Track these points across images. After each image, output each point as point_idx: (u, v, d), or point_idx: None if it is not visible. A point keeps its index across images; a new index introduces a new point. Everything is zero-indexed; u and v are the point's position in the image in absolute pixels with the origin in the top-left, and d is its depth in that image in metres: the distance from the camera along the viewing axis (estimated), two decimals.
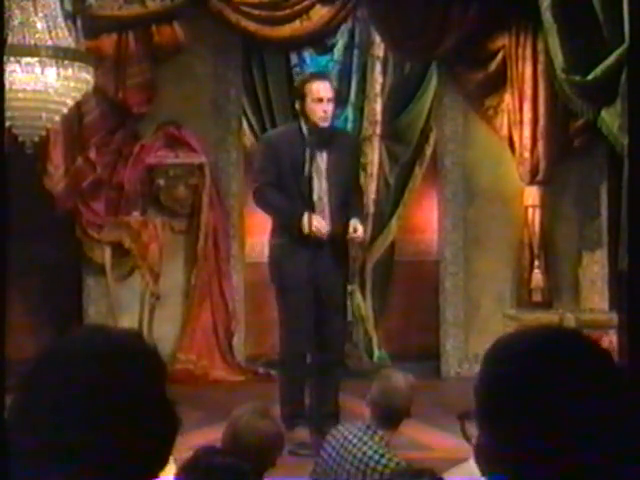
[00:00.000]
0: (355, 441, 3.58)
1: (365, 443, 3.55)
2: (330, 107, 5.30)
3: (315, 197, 5.25)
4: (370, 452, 3.51)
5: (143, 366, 1.36)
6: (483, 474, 1.40)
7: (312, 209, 5.21)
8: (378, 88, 7.95)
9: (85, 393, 1.29)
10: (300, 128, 5.34)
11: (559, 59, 6.65)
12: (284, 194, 5.30)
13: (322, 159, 5.29)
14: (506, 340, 1.43)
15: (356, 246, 7.94)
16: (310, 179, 5.23)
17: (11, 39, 5.42)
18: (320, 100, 5.23)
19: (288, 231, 5.30)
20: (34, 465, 1.28)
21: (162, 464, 1.35)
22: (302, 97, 5.28)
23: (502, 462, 1.35)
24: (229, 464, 3.00)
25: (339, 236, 5.36)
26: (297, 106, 5.36)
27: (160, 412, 1.34)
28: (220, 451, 3.20)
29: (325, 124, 5.27)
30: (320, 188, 5.25)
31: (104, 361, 1.33)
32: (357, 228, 5.27)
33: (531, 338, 1.42)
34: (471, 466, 1.95)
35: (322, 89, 5.27)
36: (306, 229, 5.15)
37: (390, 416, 3.66)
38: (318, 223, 5.19)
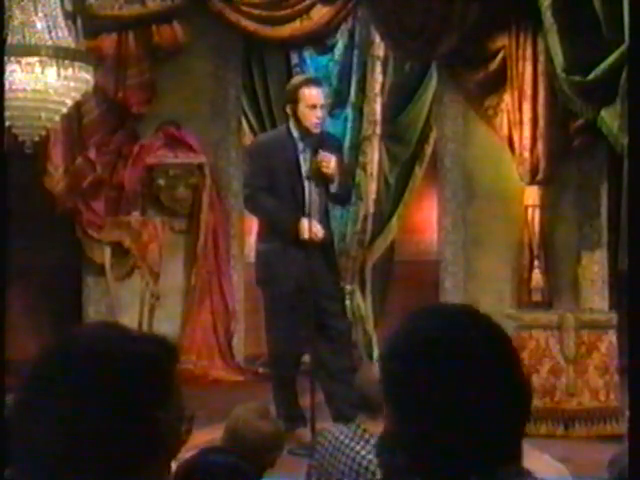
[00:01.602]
0: (347, 441, 3.57)
1: (358, 443, 3.54)
2: (322, 114, 5.31)
3: (307, 201, 5.23)
4: (363, 452, 3.50)
5: (159, 370, 1.34)
6: (381, 459, 1.43)
7: (304, 213, 5.20)
8: (378, 88, 7.95)
9: (97, 393, 1.28)
10: (290, 132, 5.32)
11: (559, 59, 6.65)
12: (276, 199, 5.29)
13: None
14: (404, 328, 1.43)
15: (355, 246, 7.98)
16: (303, 184, 5.23)
17: (11, 39, 5.42)
18: (313, 107, 5.21)
19: (280, 236, 5.28)
20: (37, 468, 1.27)
21: (165, 469, 1.34)
22: (294, 102, 5.25)
23: (403, 446, 1.36)
24: (228, 463, 3.00)
25: (327, 240, 5.36)
26: (288, 110, 5.33)
27: (170, 418, 1.33)
28: (220, 450, 3.20)
29: (317, 130, 5.25)
30: (311, 192, 5.23)
31: (122, 361, 1.31)
32: (327, 157, 5.14)
33: (427, 325, 1.41)
34: None
35: (315, 96, 5.25)
36: (306, 234, 5.13)
37: (365, 404, 3.65)
38: (315, 228, 5.18)
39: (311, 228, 5.13)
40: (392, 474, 1.43)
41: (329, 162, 5.16)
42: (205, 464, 2.97)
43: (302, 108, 5.22)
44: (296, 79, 5.73)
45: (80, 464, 1.26)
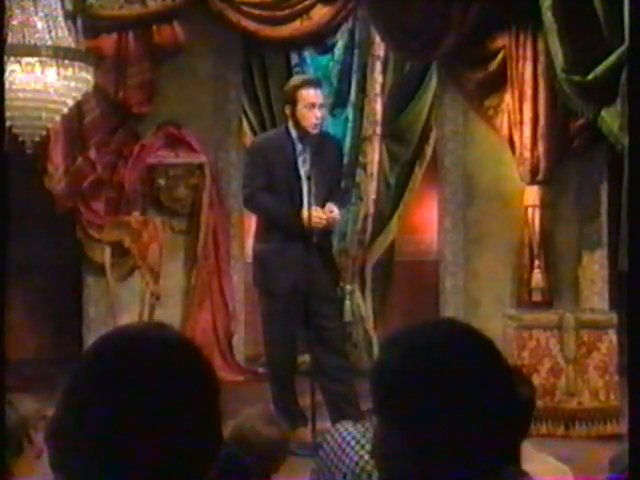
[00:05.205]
0: (353, 443, 3.56)
1: (363, 447, 3.53)
2: (321, 114, 5.31)
3: (305, 202, 5.24)
4: (367, 456, 3.48)
5: (210, 379, 1.33)
6: (379, 468, 1.46)
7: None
8: (378, 88, 7.94)
9: (151, 397, 1.25)
10: (289, 133, 5.34)
11: (559, 59, 6.65)
12: (275, 198, 5.30)
13: (311, 164, 5.28)
14: (397, 336, 1.48)
15: (355, 246, 7.98)
16: (301, 184, 5.24)
17: (11, 39, 5.42)
18: (312, 107, 5.22)
19: (280, 234, 5.29)
20: (75, 468, 1.25)
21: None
22: (293, 102, 5.27)
23: (397, 454, 1.39)
24: (230, 454, 2.99)
25: (325, 240, 5.37)
26: (287, 110, 5.34)
27: (211, 429, 1.31)
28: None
29: (315, 131, 5.26)
30: (309, 193, 5.25)
31: (181, 365, 1.29)
32: (332, 209, 5.22)
33: (417, 335, 1.47)
34: None
35: (314, 96, 5.26)
36: (313, 221, 5.14)
37: None
38: (317, 214, 5.19)
39: (312, 216, 5.14)
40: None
41: (334, 212, 5.21)
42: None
43: (300, 108, 5.23)
44: (294, 79, 5.75)
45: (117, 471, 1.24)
